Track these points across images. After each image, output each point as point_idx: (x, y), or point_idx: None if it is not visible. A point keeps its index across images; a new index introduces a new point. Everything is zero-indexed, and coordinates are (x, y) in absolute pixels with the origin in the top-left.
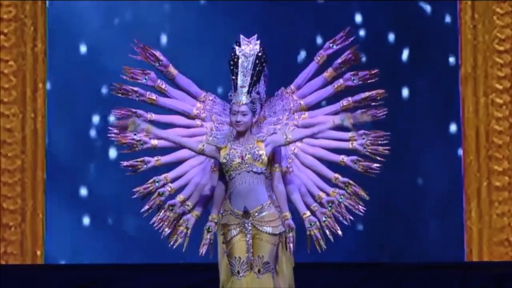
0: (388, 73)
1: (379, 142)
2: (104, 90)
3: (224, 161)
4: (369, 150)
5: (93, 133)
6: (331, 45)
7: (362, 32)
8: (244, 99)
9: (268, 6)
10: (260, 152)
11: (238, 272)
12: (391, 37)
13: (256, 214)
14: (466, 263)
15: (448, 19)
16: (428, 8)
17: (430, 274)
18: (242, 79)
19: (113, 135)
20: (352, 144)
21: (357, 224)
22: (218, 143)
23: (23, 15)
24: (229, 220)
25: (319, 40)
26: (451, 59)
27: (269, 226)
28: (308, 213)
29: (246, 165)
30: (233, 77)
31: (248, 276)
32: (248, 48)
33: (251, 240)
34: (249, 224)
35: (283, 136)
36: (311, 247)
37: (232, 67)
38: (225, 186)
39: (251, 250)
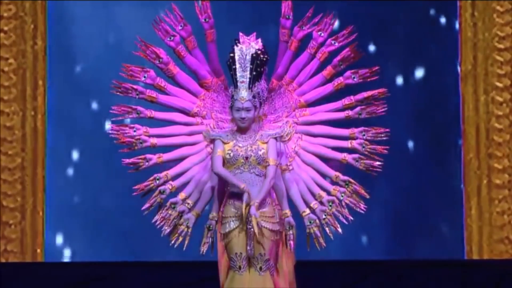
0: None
1: (379, 138)
2: (96, 104)
3: (228, 157)
4: (368, 150)
5: (92, 132)
6: (333, 42)
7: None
8: (246, 94)
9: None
10: (264, 156)
11: (240, 268)
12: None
13: (259, 207)
14: (466, 261)
15: (448, 18)
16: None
17: (429, 271)
18: (241, 74)
19: (113, 132)
20: (351, 143)
21: (356, 223)
22: (222, 137)
23: (23, 12)
24: (227, 212)
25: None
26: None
27: (269, 222)
28: (307, 211)
29: (249, 166)
30: (232, 73)
31: (247, 274)
32: (247, 46)
33: (252, 233)
34: (250, 217)
35: (273, 160)
36: (311, 245)
37: (229, 63)
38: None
39: (252, 244)
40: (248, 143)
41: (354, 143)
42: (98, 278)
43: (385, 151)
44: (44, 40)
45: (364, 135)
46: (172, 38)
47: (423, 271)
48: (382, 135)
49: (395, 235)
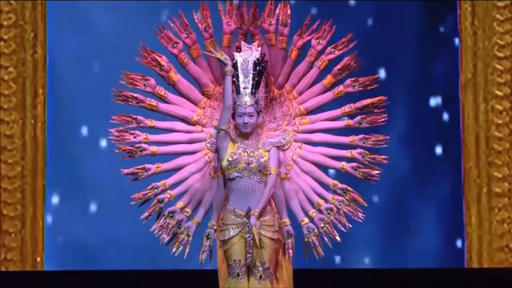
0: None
1: (379, 145)
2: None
3: (230, 159)
4: (367, 159)
5: (93, 136)
6: (332, 50)
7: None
8: (249, 100)
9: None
10: (266, 164)
11: (238, 275)
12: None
13: (260, 216)
14: (466, 269)
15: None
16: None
17: (430, 280)
18: (244, 80)
19: (113, 137)
20: (351, 153)
21: (356, 229)
22: (231, 133)
23: (23, 21)
24: (227, 219)
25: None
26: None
27: (269, 231)
28: (306, 220)
29: (249, 172)
30: (234, 79)
31: (245, 282)
32: (249, 54)
33: (251, 242)
34: (250, 226)
35: (274, 169)
36: (309, 254)
37: None
38: (224, 187)
39: (252, 253)
40: (251, 149)
41: (354, 153)
42: (97, 286)
43: (385, 160)
44: (44, 49)
45: (364, 142)
46: (175, 45)
47: (423, 279)
48: (383, 143)
49: (395, 243)
